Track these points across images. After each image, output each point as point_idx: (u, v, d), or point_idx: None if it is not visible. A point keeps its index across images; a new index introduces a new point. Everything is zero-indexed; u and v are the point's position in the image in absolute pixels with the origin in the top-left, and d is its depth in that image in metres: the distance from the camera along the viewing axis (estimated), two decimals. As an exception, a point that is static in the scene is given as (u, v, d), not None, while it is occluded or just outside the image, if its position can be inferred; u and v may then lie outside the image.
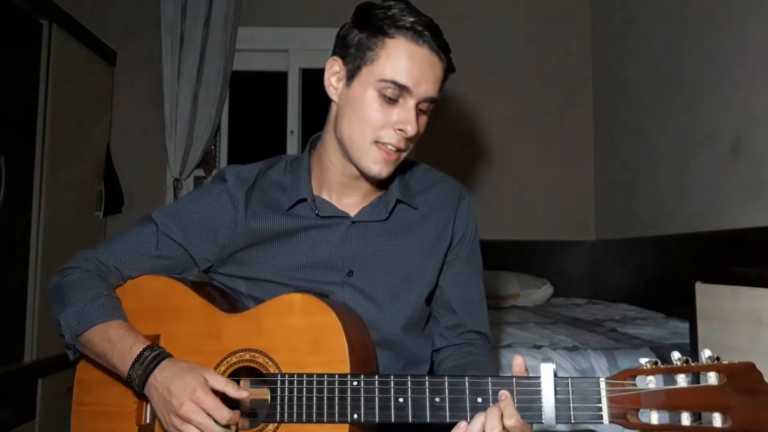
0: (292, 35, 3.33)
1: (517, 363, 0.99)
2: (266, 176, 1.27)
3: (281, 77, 3.40)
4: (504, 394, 0.94)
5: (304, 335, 1.06)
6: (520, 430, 0.94)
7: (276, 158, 1.32)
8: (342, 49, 1.17)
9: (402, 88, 1.10)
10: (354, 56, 1.14)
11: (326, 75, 1.19)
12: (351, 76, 1.15)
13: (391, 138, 1.12)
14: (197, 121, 3.17)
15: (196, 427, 0.99)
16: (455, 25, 3.34)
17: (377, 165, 1.14)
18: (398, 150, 1.14)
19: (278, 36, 3.36)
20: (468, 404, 0.97)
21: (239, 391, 1.03)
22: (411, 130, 1.11)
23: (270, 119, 3.50)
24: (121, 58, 3.24)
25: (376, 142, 1.13)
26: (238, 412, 1.02)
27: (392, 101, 1.11)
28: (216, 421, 0.99)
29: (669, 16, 2.61)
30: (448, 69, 1.16)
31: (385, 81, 1.10)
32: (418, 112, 1.14)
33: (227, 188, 1.23)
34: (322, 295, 1.13)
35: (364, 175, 1.18)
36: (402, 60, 1.10)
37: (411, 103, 1.11)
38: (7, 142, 2.24)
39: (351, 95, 1.15)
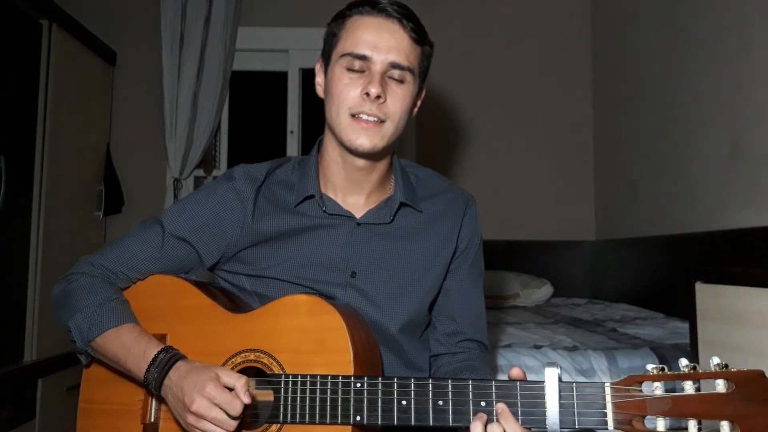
0: (292, 35, 3.32)
1: (514, 374, 0.98)
2: (275, 175, 1.28)
3: (281, 77, 3.39)
4: (501, 407, 0.94)
5: (309, 336, 1.06)
6: None
7: (285, 158, 1.33)
8: (322, 49, 1.24)
9: (362, 58, 1.14)
10: (326, 47, 1.22)
11: (315, 79, 1.26)
12: (326, 65, 1.22)
13: (362, 106, 1.15)
14: (197, 121, 3.17)
15: (210, 422, 1.00)
16: (455, 25, 3.36)
17: (359, 137, 1.15)
18: (375, 118, 1.15)
19: (278, 36, 3.35)
20: (471, 408, 0.97)
21: (245, 394, 1.01)
22: (374, 90, 1.13)
23: (270, 119, 3.50)
24: (121, 58, 3.24)
25: (352, 115, 1.16)
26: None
27: (358, 73, 1.15)
28: (229, 415, 1.00)
29: (669, 16, 2.61)
30: (419, 40, 1.18)
31: (345, 55, 1.16)
32: (389, 80, 1.16)
33: (235, 186, 1.24)
34: (329, 297, 1.13)
35: (354, 153, 1.18)
36: (358, 32, 1.15)
37: (375, 68, 1.14)
38: (7, 142, 2.24)
39: (327, 82, 1.21)
